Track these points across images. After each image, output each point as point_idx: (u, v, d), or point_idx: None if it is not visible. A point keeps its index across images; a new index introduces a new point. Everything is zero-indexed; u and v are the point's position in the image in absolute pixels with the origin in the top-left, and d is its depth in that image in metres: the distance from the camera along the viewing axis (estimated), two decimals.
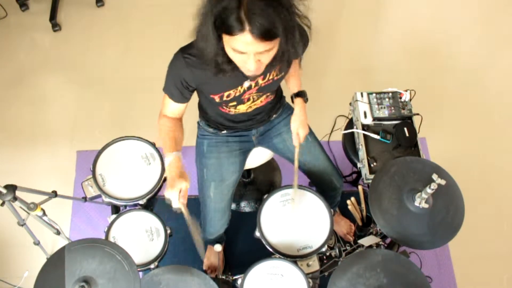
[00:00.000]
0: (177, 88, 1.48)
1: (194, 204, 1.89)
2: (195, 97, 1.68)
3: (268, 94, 1.60)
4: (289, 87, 1.73)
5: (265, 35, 1.16)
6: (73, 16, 3.03)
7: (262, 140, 1.83)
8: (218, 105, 1.57)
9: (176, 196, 1.37)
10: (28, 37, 2.97)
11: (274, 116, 1.79)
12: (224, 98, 1.51)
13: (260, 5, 1.13)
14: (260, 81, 1.49)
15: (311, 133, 1.81)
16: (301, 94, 1.70)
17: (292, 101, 1.73)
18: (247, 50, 1.21)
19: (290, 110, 1.82)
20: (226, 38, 1.22)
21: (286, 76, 1.64)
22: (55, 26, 2.95)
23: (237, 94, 1.51)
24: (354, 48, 2.92)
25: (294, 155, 1.70)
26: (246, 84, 1.47)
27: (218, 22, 1.18)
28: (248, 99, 1.56)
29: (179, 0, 3.02)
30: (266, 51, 1.22)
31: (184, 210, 1.41)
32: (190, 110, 1.69)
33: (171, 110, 1.56)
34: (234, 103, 1.55)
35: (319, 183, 1.84)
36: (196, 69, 1.41)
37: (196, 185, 1.83)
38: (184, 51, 1.42)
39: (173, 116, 1.57)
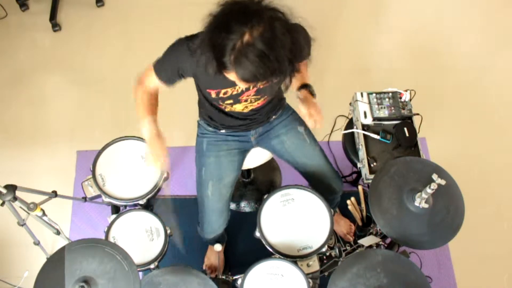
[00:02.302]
0: (169, 71, 1.49)
1: (194, 204, 1.90)
2: (194, 95, 1.68)
3: (266, 96, 1.59)
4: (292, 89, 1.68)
5: (249, 81, 1.21)
6: (73, 16, 3.03)
7: (260, 141, 1.83)
8: (214, 100, 1.56)
9: (156, 160, 1.47)
10: (28, 37, 2.97)
11: (273, 117, 1.78)
12: (221, 95, 1.51)
13: (250, 56, 1.15)
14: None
15: (310, 135, 1.80)
16: (306, 86, 1.62)
17: (298, 96, 1.62)
18: (235, 81, 1.25)
19: (290, 111, 1.82)
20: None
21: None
22: (55, 26, 2.95)
23: (235, 93, 1.50)
24: (354, 48, 2.92)
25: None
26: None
27: (215, 50, 1.21)
28: (246, 100, 1.55)
29: (179, 0, 3.03)
30: (254, 85, 1.25)
31: (160, 167, 1.50)
32: (190, 109, 1.69)
33: (152, 85, 1.57)
34: (231, 101, 1.54)
35: (318, 186, 1.82)
36: (198, 59, 1.37)
37: (195, 185, 1.83)
38: (189, 39, 1.42)
39: (151, 90, 1.59)
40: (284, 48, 1.19)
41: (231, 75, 1.23)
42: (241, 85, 1.28)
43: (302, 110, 1.56)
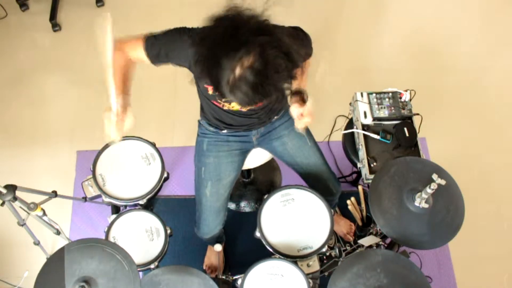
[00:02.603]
0: (162, 51, 1.44)
1: (194, 204, 1.90)
2: (194, 95, 1.68)
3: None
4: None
5: (247, 106, 1.23)
6: (73, 16, 3.03)
7: (262, 142, 1.83)
8: (212, 98, 1.55)
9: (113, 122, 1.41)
10: (28, 37, 2.97)
11: (275, 118, 1.78)
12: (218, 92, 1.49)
13: (244, 88, 1.16)
14: None
15: (309, 136, 1.80)
16: (299, 92, 1.54)
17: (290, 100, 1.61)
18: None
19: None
20: None
21: None
22: (55, 26, 2.95)
23: None
24: (354, 48, 2.92)
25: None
26: None
27: (212, 80, 1.20)
28: None
29: (179, 0, 3.03)
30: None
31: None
32: (191, 109, 1.69)
33: (136, 55, 1.48)
34: (228, 98, 1.52)
35: (316, 188, 1.81)
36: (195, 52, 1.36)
37: (193, 183, 1.83)
38: (191, 30, 1.40)
39: (130, 59, 1.52)
40: (278, 70, 1.17)
41: (230, 100, 1.24)
42: (240, 106, 1.29)
43: (292, 110, 1.49)
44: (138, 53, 1.47)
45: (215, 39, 1.18)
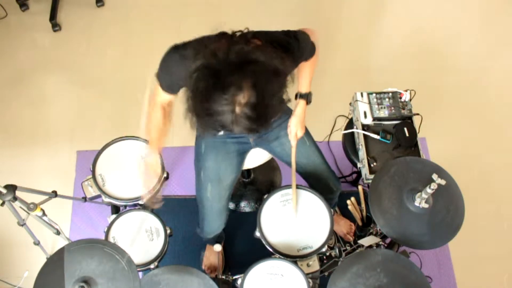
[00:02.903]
0: (167, 82, 1.49)
1: (194, 204, 1.90)
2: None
3: None
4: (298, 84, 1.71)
5: (259, 131, 1.22)
6: (73, 16, 3.03)
7: (260, 143, 1.83)
8: None
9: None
10: (28, 37, 2.97)
11: (272, 120, 1.77)
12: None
13: (246, 122, 1.15)
14: None
15: (308, 135, 1.80)
16: (305, 96, 1.69)
17: (295, 99, 1.70)
18: None
19: (289, 114, 1.81)
20: None
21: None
22: (55, 26, 2.95)
23: None
24: (354, 48, 2.92)
25: (291, 156, 1.70)
26: None
27: (215, 124, 1.19)
28: None
29: (179, 0, 3.03)
30: None
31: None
32: None
33: (162, 97, 1.56)
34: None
35: (316, 186, 1.83)
36: (187, 70, 1.39)
37: (193, 183, 1.83)
38: (178, 50, 1.40)
39: (164, 104, 1.58)
40: (274, 93, 1.18)
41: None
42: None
43: (291, 125, 1.69)
44: (161, 94, 1.54)
45: (202, 94, 1.15)
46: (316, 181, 1.83)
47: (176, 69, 1.41)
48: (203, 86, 1.15)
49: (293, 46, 1.44)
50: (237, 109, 1.13)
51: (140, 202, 1.82)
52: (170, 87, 1.50)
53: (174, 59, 1.41)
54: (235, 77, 1.12)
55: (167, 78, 1.47)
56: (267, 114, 1.18)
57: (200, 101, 1.16)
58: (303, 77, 1.69)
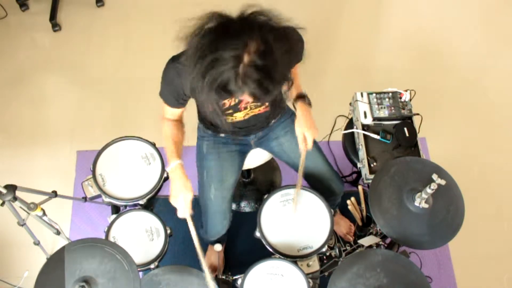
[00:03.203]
0: (172, 95, 1.49)
1: (195, 204, 1.89)
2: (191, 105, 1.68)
3: (266, 103, 1.58)
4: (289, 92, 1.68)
5: (261, 98, 1.17)
6: (73, 16, 3.03)
7: (260, 144, 1.83)
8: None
9: (181, 207, 1.46)
10: (28, 37, 2.97)
11: (273, 121, 1.78)
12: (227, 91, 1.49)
13: (255, 76, 1.11)
14: None
15: None
16: (301, 97, 1.65)
17: (294, 106, 1.67)
18: (243, 99, 1.25)
19: (290, 113, 1.81)
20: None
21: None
22: (55, 26, 2.95)
23: (232, 103, 1.49)
24: (354, 48, 2.92)
25: (300, 161, 1.64)
26: None
27: (213, 85, 1.14)
28: (245, 108, 1.54)
29: (179, 0, 3.03)
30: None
31: (189, 221, 1.48)
32: (190, 109, 1.69)
33: (171, 113, 1.58)
34: (230, 111, 1.54)
35: (318, 188, 1.81)
36: (188, 79, 1.39)
37: (195, 185, 1.83)
38: (175, 60, 1.40)
39: (174, 119, 1.60)
40: (282, 52, 1.16)
41: (243, 96, 1.18)
42: (252, 100, 1.22)
43: (296, 129, 1.60)
44: (169, 110, 1.56)
45: (210, 43, 1.12)
46: (317, 182, 1.82)
47: (177, 79, 1.41)
48: (210, 38, 1.12)
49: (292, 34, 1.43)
50: (246, 57, 1.09)
51: (141, 202, 1.82)
52: (177, 100, 1.50)
53: (173, 69, 1.41)
54: (245, 28, 1.11)
55: (172, 90, 1.47)
56: (275, 73, 1.13)
57: (205, 54, 1.11)
58: (295, 80, 1.66)
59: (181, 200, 1.46)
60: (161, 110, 1.61)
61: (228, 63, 1.10)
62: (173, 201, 1.47)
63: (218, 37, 1.12)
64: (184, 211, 1.46)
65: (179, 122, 1.62)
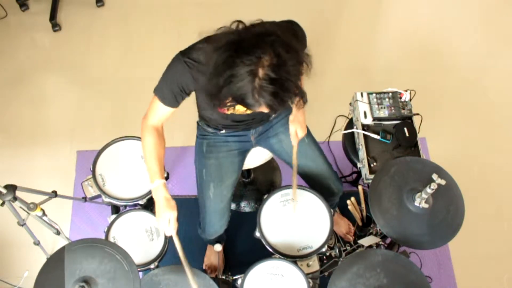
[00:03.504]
0: (172, 91, 1.47)
1: (194, 204, 1.90)
2: (192, 97, 1.68)
3: None
4: None
5: (277, 109, 1.22)
6: (73, 16, 3.03)
7: (260, 140, 1.83)
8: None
9: (165, 226, 1.48)
10: (28, 37, 2.97)
11: (273, 116, 1.79)
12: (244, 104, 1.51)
13: (270, 89, 1.16)
14: None
15: (309, 135, 1.81)
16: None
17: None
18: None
19: (289, 110, 1.82)
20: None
21: None
22: (55, 26, 2.95)
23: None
24: (354, 48, 2.92)
25: (293, 155, 1.70)
26: None
27: (229, 96, 1.22)
28: None
29: (179, 0, 3.03)
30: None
31: (175, 238, 1.50)
32: (189, 109, 1.69)
33: (158, 115, 1.53)
34: (233, 102, 1.54)
35: (317, 188, 1.82)
36: (198, 74, 1.40)
37: (195, 185, 1.83)
38: (185, 55, 1.41)
39: (156, 124, 1.55)
40: (293, 64, 1.20)
41: (260, 108, 1.23)
42: (266, 111, 1.27)
43: (290, 126, 1.69)
44: (160, 110, 1.51)
45: (225, 63, 1.18)
46: (317, 181, 1.82)
47: (186, 73, 1.41)
48: (227, 55, 1.18)
49: (297, 32, 1.50)
50: (260, 72, 1.15)
51: (141, 202, 1.82)
52: (175, 97, 1.48)
53: (181, 63, 1.41)
54: (258, 43, 1.16)
55: (173, 85, 1.46)
56: (289, 84, 1.18)
57: (223, 69, 1.18)
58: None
59: (166, 219, 1.48)
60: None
61: (244, 78, 1.15)
62: (159, 221, 1.49)
63: (233, 54, 1.17)
64: (170, 229, 1.49)
65: (161, 133, 1.57)
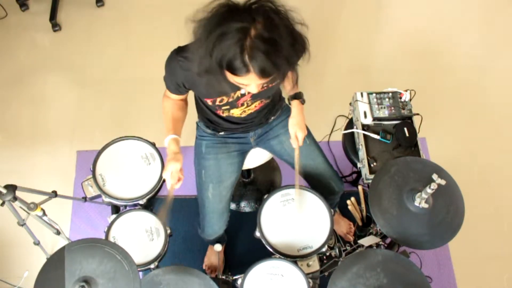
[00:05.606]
0: (172, 84, 1.53)
1: (194, 204, 1.90)
2: (192, 97, 1.69)
3: (263, 99, 1.60)
4: (285, 90, 1.73)
5: (269, 74, 1.18)
6: (73, 16, 3.03)
7: (260, 142, 1.83)
8: (211, 107, 1.59)
9: (168, 177, 1.52)
10: (28, 37, 2.97)
11: (272, 118, 1.79)
12: (217, 103, 1.53)
13: (262, 48, 1.13)
14: None
15: (309, 135, 1.81)
16: (297, 96, 1.70)
17: (289, 103, 1.72)
18: (251, 83, 1.24)
19: (289, 112, 1.81)
20: (229, 74, 1.21)
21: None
22: (55, 26, 2.95)
23: (230, 100, 1.52)
24: (354, 48, 2.92)
25: (294, 159, 1.70)
26: (242, 91, 1.48)
27: (222, 62, 1.17)
28: (242, 104, 1.56)
29: (179, 0, 3.03)
30: (269, 80, 1.24)
31: (171, 189, 1.54)
32: (189, 110, 1.70)
33: (172, 97, 1.63)
34: (227, 107, 1.56)
35: (317, 187, 1.82)
36: (190, 72, 1.41)
37: (195, 185, 1.83)
38: (179, 53, 1.42)
39: (174, 100, 1.63)
40: (287, 33, 1.18)
41: (249, 76, 1.18)
42: (258, 81, 1.22)
43: (290, 128, 1.68)
44: (171, 94, 1.61)
45: (218, 16, 1.16)
46: (317, 181, 1.83)
47: (179, 71, 1.44)
48: (220, 12, 1.16)
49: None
50: (252, 31, 1.12)
51: (141, 202, 1.82)
52: (177, 89, 1.55)
53: (175, 61, 1.43)
54: (252, 8, 1.15)
55: (173, 80, 1.50)
56: (282, 44, 1.15)
57: (216, 23, 1.15)
58: (290, 79, 1.68)
59: (169, 171, 1.52)
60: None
61: (235, 36, 1.12)
62: (164, 173, 1.53)
63: (226, 13, 1.16)
64: (170, 180, 1.52)
65: (182, 100, 1.65)
